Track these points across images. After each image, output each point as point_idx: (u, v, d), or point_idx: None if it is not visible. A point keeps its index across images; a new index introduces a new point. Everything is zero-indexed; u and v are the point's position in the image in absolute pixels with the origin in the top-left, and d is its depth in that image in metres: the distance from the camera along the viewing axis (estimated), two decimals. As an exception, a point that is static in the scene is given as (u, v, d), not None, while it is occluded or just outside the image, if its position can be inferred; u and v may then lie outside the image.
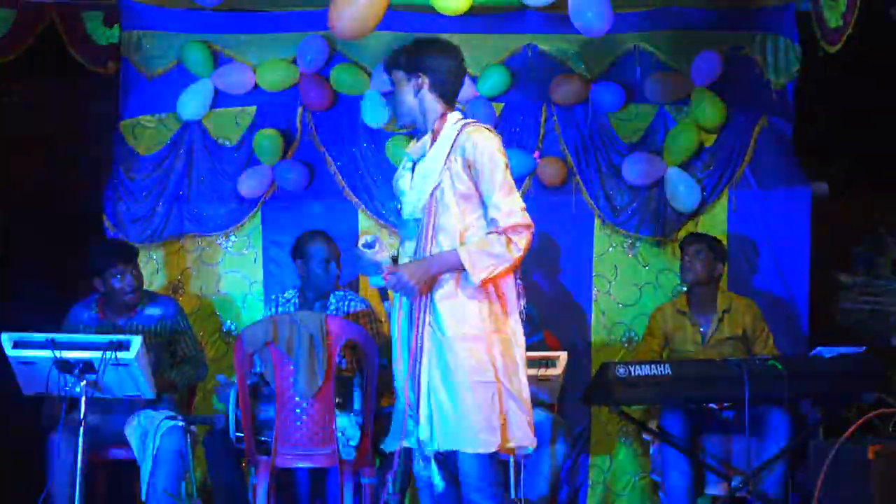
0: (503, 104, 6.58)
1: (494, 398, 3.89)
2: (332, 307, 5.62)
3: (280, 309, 5.74)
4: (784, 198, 6.52)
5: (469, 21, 6.23)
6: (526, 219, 3.91)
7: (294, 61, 6.50)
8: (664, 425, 5.47)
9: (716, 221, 6.55)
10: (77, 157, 6.63)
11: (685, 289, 6.06)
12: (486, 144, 3.92)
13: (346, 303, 5.64)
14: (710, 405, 5.49)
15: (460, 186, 3.92)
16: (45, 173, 6.68)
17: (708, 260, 5.87)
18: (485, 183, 3.91)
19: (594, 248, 6.57)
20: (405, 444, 4.02)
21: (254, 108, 6.55)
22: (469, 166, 3.91)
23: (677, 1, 6.51)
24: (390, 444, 4.10)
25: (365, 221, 6.50)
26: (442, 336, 3.92)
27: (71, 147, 6.63)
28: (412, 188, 3.98)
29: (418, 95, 4.01)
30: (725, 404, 5.46)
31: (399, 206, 4.08)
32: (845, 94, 6.44)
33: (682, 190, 6.46)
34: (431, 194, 3.93)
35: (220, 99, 6.52)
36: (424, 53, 4.04)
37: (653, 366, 5.14)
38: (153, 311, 5.50)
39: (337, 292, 5.67)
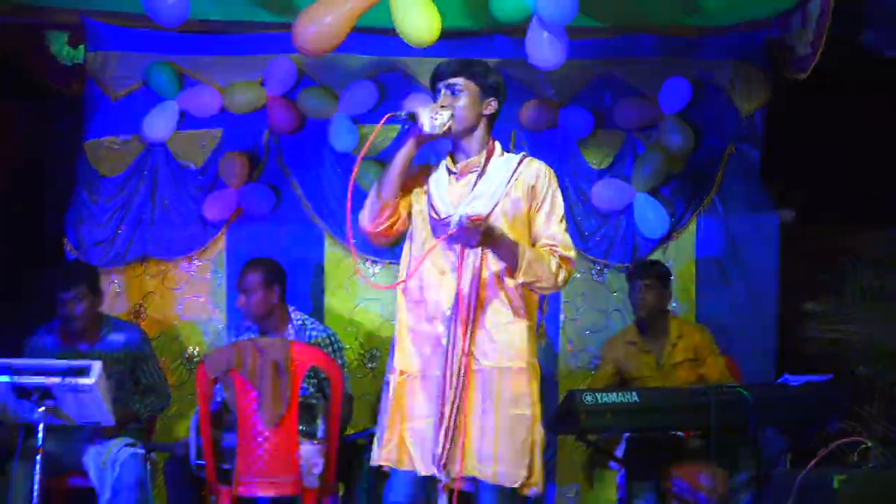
0: (471, 129, 6.56)
1: (528, 436, 3.92)
2: (291, 336, 5.56)
3: (243, 335, 5.69)
4: (752, 224, 6.54)
5: (439, 45, 6.22)
6: (576, 259, 4.00)
7: (261, 83, 6.48)
8: (631, 453, 5.45)
9: (684, 247, 6.57)
10: (40, 178, 6.58)
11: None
12: (552, 177, 4.03)
13: (306, 331, 5.59)
14: (677, 433, 5.48)
15: (516, 214, 3.95)
16: (7, 195, 6.62)
17: (658, 291, 5.87)
18: (543, 212, 3.97)
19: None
20: (401, 466, 3.97)
21: (220, 130, 6.52)
22: (531, 194, 3.95)
23: (647, 27, 6.52)
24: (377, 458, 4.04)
25: (331, 246, 6.47)
26: (485, 365, 3.90)
27: (34, 168, 6.59)
28: (461, 207, 3.95)
29: (482, 117, 4.01)
30: (693, 432, 5.45)
31: (433, 213, 4.02)
32: (813, 121, 6.48)
33: (651, 216, 6.47)
34: (486, 217, 3.91)
35: (185, 121, 6.48)
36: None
37: (620, 393, 5.12)
38: (117, 337, 5.45)
39: (295, 321, 5.62)
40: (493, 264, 3.93)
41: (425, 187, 4.06)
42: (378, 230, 4.02)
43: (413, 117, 3.89)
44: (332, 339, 5.60)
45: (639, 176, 6.51)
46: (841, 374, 5.47)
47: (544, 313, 5.74)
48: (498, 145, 4.06)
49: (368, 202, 4.02)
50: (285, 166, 6.54)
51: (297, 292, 6.21)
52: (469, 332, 3.89)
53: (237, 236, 6.48)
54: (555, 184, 4.02)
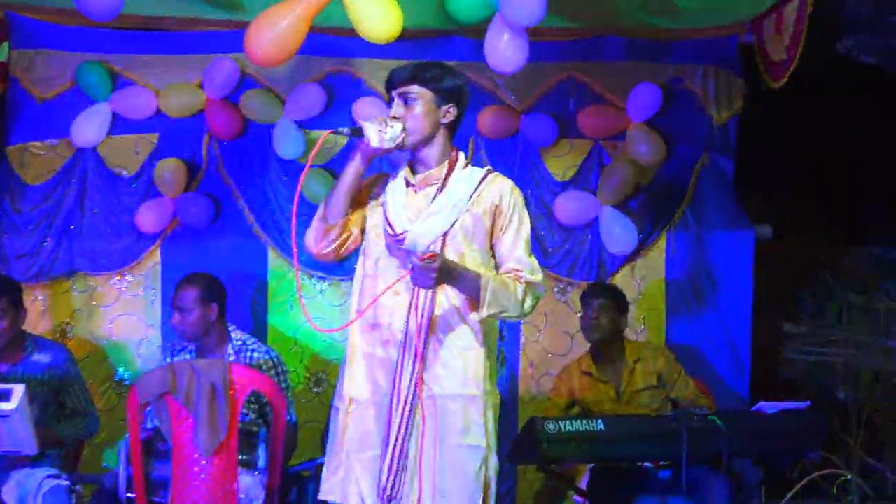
0: (426, 135, 6.58)
1: (481, 468, 3.91)
2: (230, 357, 5.53)
3: (178, 356, 5.65)
4: (725, 240, 6.60)
5: (393, 46, 6.22)
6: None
7: (200, 85, 6.46)
8: (596, 485, 5.46)
9: (653, 265, 6.61)
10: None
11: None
12: (519, 196, 4.01)
13: (247, 352, 5.56)
14: (646, 464, 5.49)
15: (477, 232, 3.93)
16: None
17: (613, 314, 5.87)
18: (509, 235, 3.95)
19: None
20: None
21: (155, 135, 6.50)
22: (495, 212, 3.94)
23: (614, 29, 6.55)
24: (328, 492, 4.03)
25: (275, 260, 6.45)
26: (437, 392, 3.89)
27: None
28: (418, 222, 3.93)
29: (440, 125, 3.99)
30: (662, 463, 5.47)
31: (389, 228, 4.01)
32: (790, 131, 6.55)
33: (618, 231, 6.50)
34: (444, 234, 3.90)
35: (118, 124, 6.45)
36: (464, 86, 4.05)
37: (584, 421, 5.12)
38: (41, 357, 5.39)
39: (235, 341, 5.59)
40: (448, 288, 3.92)
41: (381, 199, 4.05)
42: (325, 252, 4.00)
43: (358, 132, 3.85)
44: (276, 361, 5.57)
45: (605, 188, 6.54)
46: (820, 401, 5.51)
47: (503, 339, 5.74)
48: (462, 156, 4.04)
49: (314, 223, 3.99)
50: (226, 174, 6.52)
51: (238, 310, 6.19)
52: (421, 356, 3.88)
53: (173, 249, 6.45)
54: (521, 203, 4.00)
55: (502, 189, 3.97)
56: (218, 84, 6.43)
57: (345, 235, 4.00)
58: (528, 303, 3.91)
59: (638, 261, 6.61)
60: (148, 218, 6.39)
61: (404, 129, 3.88)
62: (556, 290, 6.59)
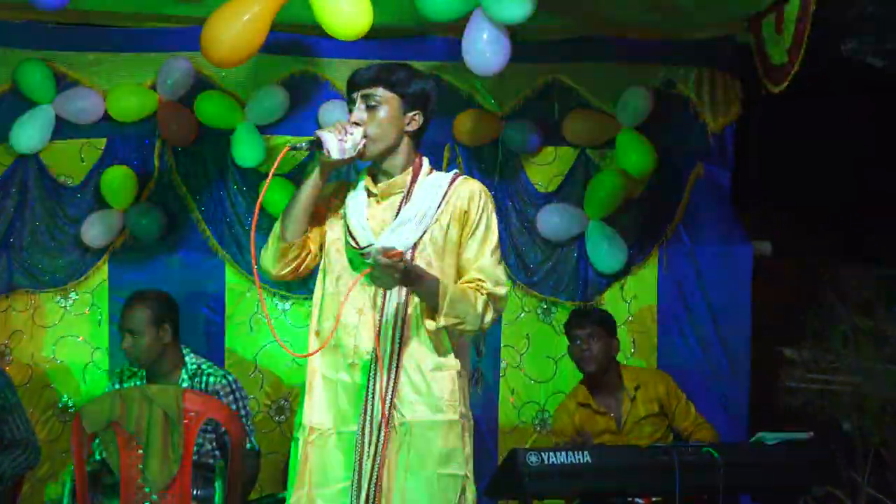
0: (398, 142, 6.59)
1: (461, 499, 3.93)
2: (184, 383, 5.52)
3: (128, 382, 5.64)
4: (722, 258, 6.63)
5: (361, 45, 6.24)
6: (506, 298, 4.00)
7: (153, 86, 6.45)
8: (582, 523, 5.48)
9: (644, 284, 6.65)
10: None
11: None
12: (488, 199, 4.03)
13: (202, 377, 5.55)
14: (636, 499, 5.51)
15: (447, 243, 3.95)
16: None
17: (604, 340, 5.90)
18: (475, 241, 3.96)
19: (503, 314, 6.56)
20: None
21: (103, 140, 6.50)
22: (463, 218, 3.95)
23: (602, 28, 6.57)
24: None
25: (233, 277, 6.46)
26: (410, 418, 3.90)
27: None
28: (384, 235, 3.94)
29: (404, 133, 4.00)
30: (653, 498, 5.49)
31: (352, 242, 4.02)
32: (791, 139, 6.58)
33: (606, 247, 6.54)
34: (413, 247, 3.91)
35: (62, 129, 6.44)
36: (431, 92, 4.07)
37: (570, 453, 5.14)
38: (-23, 384, 5.38)
39: (189, 365, 5.58)
40: (411, 306, 3.94)
41: (341, 211, 4.06)
42: (284, 273, 4.02)
43: (317, 144, 3.85)
44: (234, 386, 5.57)
45: (592, 200, 6.58)
46: (824, 432, 5.53)
47: (481, 356, 5.74)
48: (426, 162, 4.06)
49: (270, 243, 3.99)
50: (180, 184, 6.51)
51: (192, 332, 6.17)
52: (391, 379, 3.89)
53: (122, 265, 6.45)
54: (490, 207, 4.02)
55: (471, 192, 3.99)
56: (172, 85, 6.43)
57: (304, 254, 4.01)
58: (489, 317, 3.92)
59: (627, 279, 6.65)
60: (94, 231, 6.38)
61: (366, 135, 3.90)
62: (539, 310, 6.63)
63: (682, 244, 6.67)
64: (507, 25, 5.52)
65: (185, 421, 4.96)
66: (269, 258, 4.00)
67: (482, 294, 3.90)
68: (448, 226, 3.95)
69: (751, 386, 6.54)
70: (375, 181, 4.02)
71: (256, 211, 3.86)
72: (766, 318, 6.58)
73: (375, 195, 4.00)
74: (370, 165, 4.04)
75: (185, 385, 5.48)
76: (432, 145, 6.53)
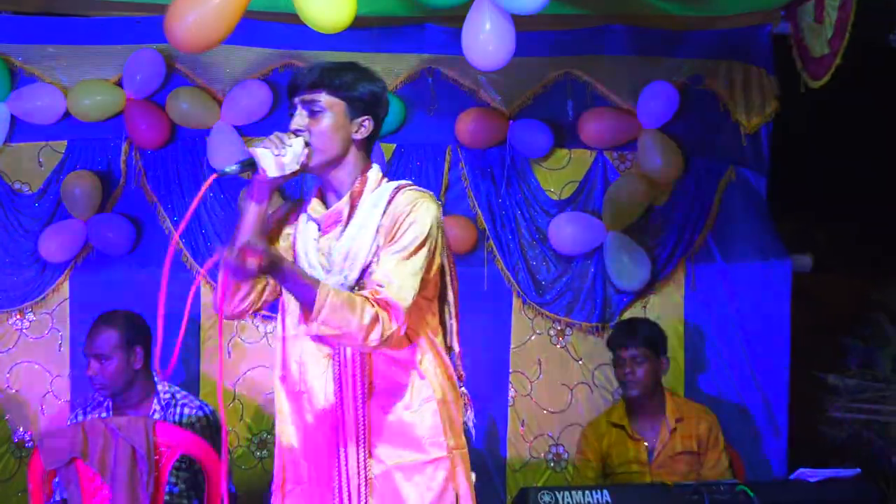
0: (394, 145, 6.61)
1: None
2: (155, 414, 5.49)
3: (92, 413, 5.61)
4: (757, 273, 6.61)
5: (350, 36, 6.22)
6: (407, 315, 3.78)
7: (119, 82, 6.45)
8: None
9: (669, 303, 6.64)
10: None
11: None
12: (418, 204, 3.85)
13: (176, 408, 5.53)
14: (662, 544, 5.49)
15: None
16: None
17: (651, 362, 5.90)
18: (388, 251, 3.79)
19: (511, 336, 6.61)
20: None
21: (63, 142, 6.51)
22: (390, 230, 3.83)
23: (621, 17, 6.57)
24: None
25: (209, 295, 6.41)
26: (390, 464, 3.85)
27: None
28: (332, 267, 3.89)
29: (352, 142, 3.94)
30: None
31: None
32: (834, 139, 6.57)
33: (627, 262, 6.53)
34: (363, 274, 3.85)
35: (18, 130, 6.45)
36: (382, 94, 3.98)
37: (587, 492, 5.12)
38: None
39: (161, 395, 5.55)
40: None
41: (290, 241, 4.01)
42: (239, 311, 3.96)
43: (251, 165, 3.77)
44: (211, 418, 5.54)
45: (611, 209, 6.56)
46: (871, 468, 5.50)
47: (461, 379, 5.71)
48: (372, 174, 3.94)
49: (220, 280, 3.87)
50: (149, 191, 6.51)
51: (165, 357, 6.13)
52: (363, 424, 3.85)
53: (85, 282, 6.45)
54: (418, 216, 3.83)
55: (400, 203, 3.85)
56: (140, 81, 6.43)
57: (259, 287, 3.95)
58: (376, 333, 3.68)
59: (651, 297, 6.65)
60: (54, 244, 6.37)
61: (307, 144, 3.82)
62: (551, 332, 6.61)
63: (712, 258, 6.66)
64: (511, 15, 5.49)
65: (157, 457, 4.95)
66: (220, 297, 3.90)
67: (373, 306, 3.71)
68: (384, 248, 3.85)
69: (790, 417, 6.51)
70: (325, 202, 3.96)
71: (192, 206, 3.83)
72: (807, 340, 6.57)
73: (317, 222, 3.94)
74: (320, 184, 3.97)
75: (156, 416, 5.45)
76: (432, 147, 6.56)
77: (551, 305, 6.59)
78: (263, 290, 3.97)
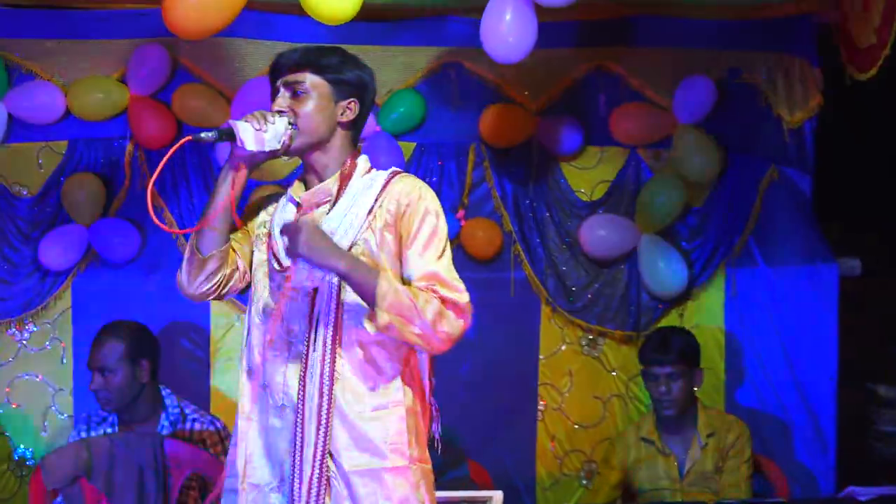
0: (414, 143, 6.66)
1: None
2: (164, 430, 5.54)
3: (97, 429, 5.66)
4: (801, 278, 6.60)
5: (365, 28, 6.27)
6: (469, 309, 3.87)
7: (122, 79, 6.50)
8: None
9: (708, 310, 6.67)
10: None
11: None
12: (427, 199, 3.93)
13: (185, 423, 5.57)
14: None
15: (386, 255, 3.93)
16: None
17: (686, 378, 5.91)
18: (416, 252, 3.87)
19: (540, 346, 6.65)
20: None
21: (64, 143, 6.55)
22: (399, 224, 3.89)
23: (655, 7, 6.56)
24: None
25: (219, 305, 6.45)
26: (349, 468, 3.88)
27: None
28: None
29: (337, 125, 4.02)
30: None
31: (275, 262, 4.02)
32: (882, 136, 6.57)
33: (662, 266, 6.57)
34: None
35: (15, 130, 6.49)
36: (369, 77, 4.07)
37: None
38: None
39: (170, 409, 5.60)
40: (355, 330, 3.89)
41: (267, 228, 4.06)
42: (203, 291, 3.98)
43: (229, 135, 3.81)
44: (222, 434, 5.58)
45: (645, 210, 6.60)
46: (926, 484, 5.52)
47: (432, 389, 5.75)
48: (361, 161, 4.04)
49: (186, 256, 3.95)
50: (156, 194, 6.53)
51: (173, 369, 6.20)
52: (325, 423, 3.88)
53: (88, 290, 6.49)
54: (432, 206, 3.93)
55: (407, 192, 3.92)
56: (144, 77, 6.47)
57: (227, 271, 3.97)
58: (444, 328, 3.78)
59: (688, 304, 6.68)
60: (55, 250, 6.42)
61: (291, 124, 3.88)
62: (583, 342, 6.65)
63: (754, 262, 6.67)
64: (533, 4, 5.51)
65: (166, 475, 4.97)
66: (185, 274, 3.96)
67: (435, 296, 3.81)
68: (381, 235, 3.90)
69: (838, 431, 6.49)
70: (307, 186, 4.03)
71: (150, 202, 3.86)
72: (855, 349, 6.56)
73: (298, 203, 4.00)
74: (302, 170, 4.05)
75: (165, 432, 5.49)
76: (455, 146, 6.59)
77: (582, 313, 6.63)
78: (231, 274, 3.98)
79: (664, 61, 6.64)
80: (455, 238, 6.54)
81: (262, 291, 3.99)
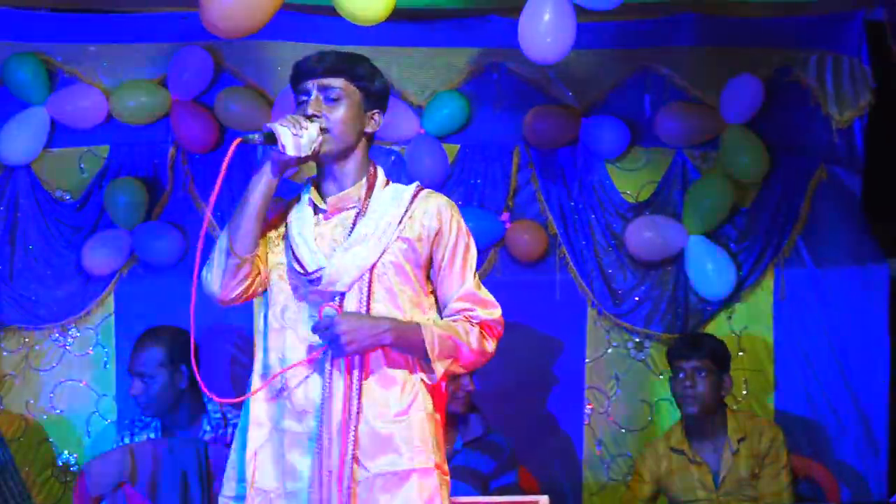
0: (458, 146, 6.65)
1: None
2: (207, 435, 5.54)
3: (139, 435, 5.67)
4: (851, 279, 6.57)
5: (409, 29, 6.28)
6: (503, 321, 4.02)
7: (164, 82, 6.51)
8: None
9: (756, 313, 6.62)
10: None
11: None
12: (458, 215, 4.02)
13: (228, 429, 5.56)
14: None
15: (412, 264, 3.94)
16: None
17: (713, 377, 5.86)
18: (455, 268, 3.97)
19: (586, 349, 6.62)
20: None
21: (106, 147, 6.57)
22: (434, 240, 3.95)
23: (700, 5, 6.56)
24: None
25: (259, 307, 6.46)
26: (375, 471, 3.87)
27: None
28: (336, 255, 3.95)
29: (363, 135, 4.02)
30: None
31: (298, 266, 4.01)
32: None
33: (710, 268, 6.53)
34: (371, 269, 3.92)
35: (58, 135, 6.52)
36: (387, 90, 4.10)
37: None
38: (-38, 438, 5.43)
39: (212, 413, 5.60)
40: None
41: (281, 230, 4.05)
42: (235, 294, 4.00)
43: (271, 138, 3.83)
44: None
45: (692, 212, 6.57)
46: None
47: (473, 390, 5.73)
48: (381, 172, 4.06)
49: (219, 259, 3.96)
50: (197, 197, 6.58)
51: (216, 375, 6.23)
52: (351, 428, 3.87)
53: (131, 295, 6.51)
54: (463, 224, 4.02)
55: (440, 210, 3.97)
56: (186, 81, 6.49)
57: (254, 272, 3.98)
58: (490, 346, 3.97)
59: (737, 307, 6.62)
60: (98, 255, 6.44)
61: (323, 130, 3.88)
62: (629, 345, 6.63)
63: (803, 263, 6.62)
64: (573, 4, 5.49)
65: (209, 480, 4.98)
66: (216, 279, 3.98)
67: (473, 325, 3.94)
68: (413, 243, 3.95)
69: (890, 434, 6.46)
70: (323, 194, 4.02)
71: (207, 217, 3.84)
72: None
73: (324, 210, 4.00)
74: (315, 176, 4.03)
75: (207, 437, 5.49)
76: (499, 148, 6.58)
77: (629, 316, 6.60)
78: (257, 276, 3.98)
79: (711, 61, 6.61)
80: (500, 241, 6.55)
81: (277, 295, 3.99)
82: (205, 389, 4.02)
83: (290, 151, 3.79)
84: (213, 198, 3.99)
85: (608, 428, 6.58)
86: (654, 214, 6.62)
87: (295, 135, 3.80)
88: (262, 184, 3.90)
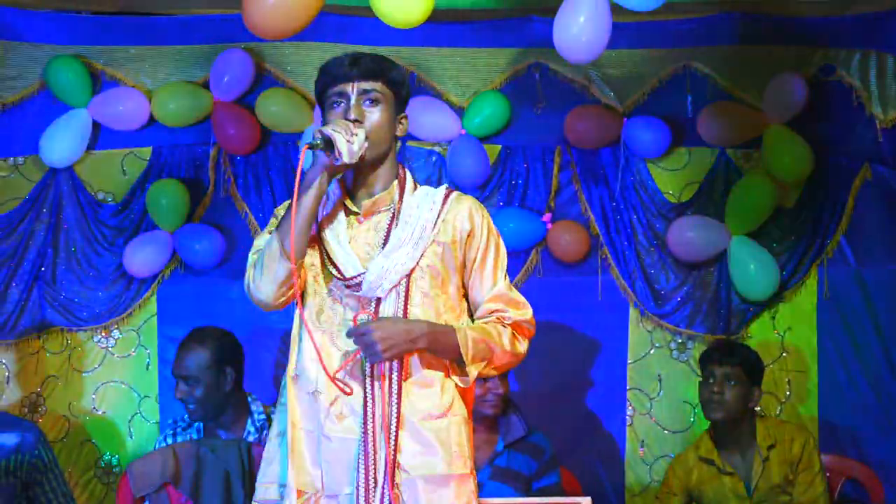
0: (500, 146, 6.66)
1: None
2: (250, 436, 5.56)
3: (182, 435, 5.69)
4: (897, 280, 6.54)
5: (450, 30, 6.28)
6: (534, 322, 4.10)
7: (206, 84, 6.54)
8: None
9: (801, 313, 6.61)
10: None
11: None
12: (488, 217, 4.07)
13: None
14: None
15: (447, 267, 3.97)
16: None
17: (742, 387, 5.82)
18: (487, 269, 4.03)
19: (629, 350, 6.63)
20: None
21: (148, 149, 6.61)
22: (467, 243, 4.00)
23: (743, 5, 6.54)
24: None
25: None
26: (416, 475, 3.91)
27: None
28: (377, 260, 3.97)
29: (394, 139, 4.05)
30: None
31: (335, 271, 4.03)
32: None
33: (753, 269, 6.51)
34: (408, 274, 3.94)
35: (100, 137, 6.56)
36: (410, 94, 4.16)
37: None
38: (6, 439, 5.43)
39: (256, 416, 5.62)
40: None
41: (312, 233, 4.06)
42: (281, 301, 4.00)
43: (329, 144, 3.82)
44: (308, 440, 5.60)
45: (735, 212, 6.56)
46: None
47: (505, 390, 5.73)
48: (409, 175, 4.08)
49: (267, 266, 3.94)
50: (239, 199, 6.61)
51: (259, 377, 6.26)
52: (392, 431, 3.90)
53: (173, 297, 6.55)
54: (493, 226, 4.08)
55: (471, 212, 4.02)
56: (228, 82, 6.52)
57: (299, 276, 3.97)
58: (522, 347, 4.04)
59: (780, 307, 6.62)
60: (140, 257, 6.46)
61: (367, 136, 3.90)
62: (672, 346, 6.63)
63: (847, 263, 6.60)
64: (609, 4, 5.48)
65: (253, 480, 4.98)
66: (268, 286, 3.96)
67: (506, 327, 4.01)
68: (447, 246, 3.98)
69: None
70: (355, 198, 4.03)
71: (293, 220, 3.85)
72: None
73: (357, 213, 4.02)
74: (343, 177, 4.04)
75: (251, 438, 5.51)
76: (540, 148, 6.58)
77: (671, 316, 6.60)
78: (296, 279, 3.96)
79: (753, 60, 6.61)
80: (541, 241, 6.56)
81: (313, 297, 4.01)
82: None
83: (346, 158, 3.82)
84: (294, 203, 3.89)
85: (651, 429, 6.58)
86: (697, 215, 6.61)
87: (348, 141, 3.82)
88: (315, 192, 3.89)
